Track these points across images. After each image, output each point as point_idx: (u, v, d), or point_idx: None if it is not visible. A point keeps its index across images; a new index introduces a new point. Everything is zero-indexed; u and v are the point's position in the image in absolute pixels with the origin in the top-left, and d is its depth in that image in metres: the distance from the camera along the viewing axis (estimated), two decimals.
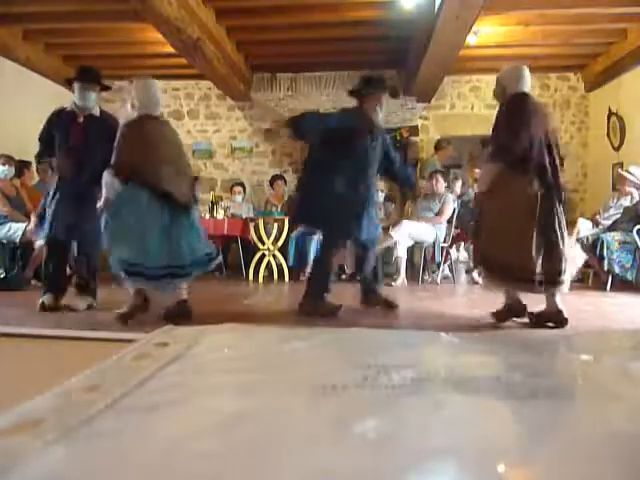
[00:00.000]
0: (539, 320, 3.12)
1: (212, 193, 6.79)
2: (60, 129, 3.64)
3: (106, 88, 3.87)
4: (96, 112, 3.71)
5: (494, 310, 3.22)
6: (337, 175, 3.49)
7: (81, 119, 3.65)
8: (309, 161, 3.77)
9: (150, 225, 3.14)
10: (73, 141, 3.59)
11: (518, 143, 3.05)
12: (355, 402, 0.39)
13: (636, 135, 6.19)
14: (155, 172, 3.17)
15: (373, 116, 3.63)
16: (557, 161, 3.14)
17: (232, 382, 0.44)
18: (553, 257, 3.01)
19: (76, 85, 3.64)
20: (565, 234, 3.10)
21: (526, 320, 3.18)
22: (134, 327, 3.03)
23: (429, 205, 5.80)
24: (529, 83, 3.29)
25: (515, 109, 3.17)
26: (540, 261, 2.99)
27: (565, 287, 3.07)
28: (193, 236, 3.30)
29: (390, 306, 3.73)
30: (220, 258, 3.87)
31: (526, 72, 3.30)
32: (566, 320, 3.03)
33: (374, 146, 3.62)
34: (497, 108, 3.34)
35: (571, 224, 5.95)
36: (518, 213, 3.08)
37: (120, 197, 3.20)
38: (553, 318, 3.07)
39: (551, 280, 3.01)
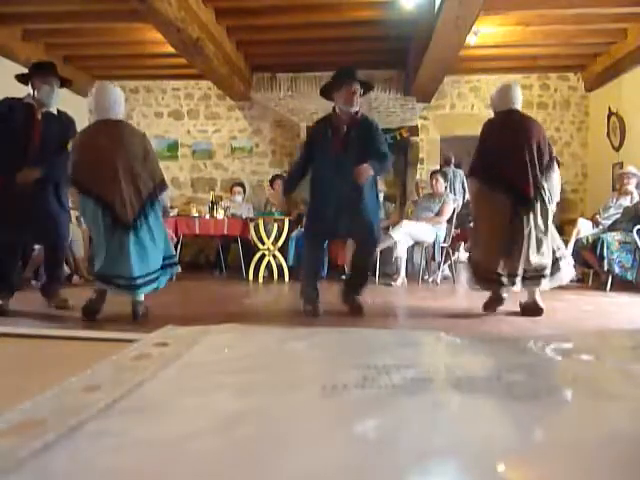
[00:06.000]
0: (522, 311, 3.62)
1: (212, 193, 6.79)
2: (14, 121, 3.46)
3: (66, 83, 3.74)
4: (54, 110, 3.61)
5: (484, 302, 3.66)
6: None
7: (39, 115, 3.53)
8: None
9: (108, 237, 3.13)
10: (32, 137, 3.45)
11: (476, 164, 3.58)
12: (355, 402, 0.39)
13: (636, 135, 6.19)
14: (103, 182, 3.11)
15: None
16: (538, 170, 3.44)
17: (232, 382, 0.44)
18: (516, 257, 3.41)
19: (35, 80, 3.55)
20: (547, 236, 3.45)
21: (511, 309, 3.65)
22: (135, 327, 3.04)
23: (429, 205, 5.80)
24: (513, 99, 3.57)
25: (481, 133, 3.66)
26: (502, 262, 3.42)
27: (544, 284, 3.47)
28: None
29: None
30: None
31: (508, 91, 3.62)
32: (541, 310, 3.51)
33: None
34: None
35: (571, 224, 5.96)
36: (491, 221, 3.51)
37: (81, 208, 3.25)
38: (528, 310, 3.56)
39: (529, 277, 3.45)
